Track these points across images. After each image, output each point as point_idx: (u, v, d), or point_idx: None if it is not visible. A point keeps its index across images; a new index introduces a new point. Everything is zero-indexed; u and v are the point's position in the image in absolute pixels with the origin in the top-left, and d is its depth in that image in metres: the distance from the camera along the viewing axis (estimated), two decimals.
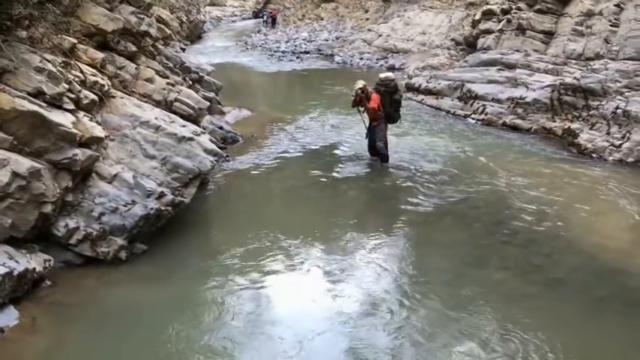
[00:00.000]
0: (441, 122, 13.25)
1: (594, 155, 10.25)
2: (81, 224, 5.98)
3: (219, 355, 4.78)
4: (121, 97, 7.54)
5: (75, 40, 7.28)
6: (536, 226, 7.28)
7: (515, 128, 12.32)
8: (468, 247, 6.80)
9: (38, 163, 5.62)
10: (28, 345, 4.78)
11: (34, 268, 5.35)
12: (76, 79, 6.68)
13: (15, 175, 5.32)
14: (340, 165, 9.94)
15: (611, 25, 12.57)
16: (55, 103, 6.02)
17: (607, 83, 11.05)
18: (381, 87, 9.66)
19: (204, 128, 8.95)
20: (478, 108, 13.35)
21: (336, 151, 10.77)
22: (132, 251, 6.26)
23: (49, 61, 6.25)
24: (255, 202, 8.52)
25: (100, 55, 7.60)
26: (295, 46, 28.38)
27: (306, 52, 26.89)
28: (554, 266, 6.35)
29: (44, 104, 5.84)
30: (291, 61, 24.80)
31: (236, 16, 49.35)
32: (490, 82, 13.73)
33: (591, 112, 11.05)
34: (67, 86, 6.25)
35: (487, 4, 17.44)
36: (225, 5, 51.23)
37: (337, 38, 28.54)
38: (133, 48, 8.53)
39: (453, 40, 20.45)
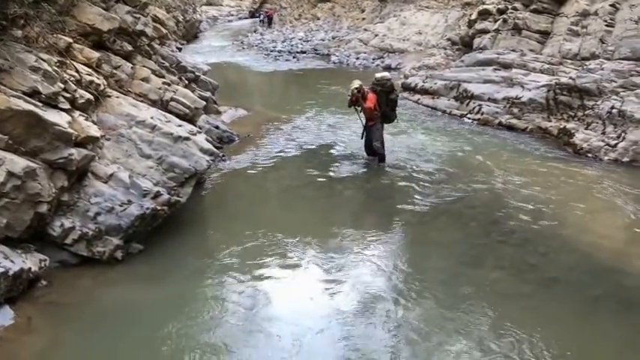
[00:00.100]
0: (437, 122, 13.27)
1: (590, 155, 10.28)
2: (77, 224, 5.96)
3: (218, 353, 4.78)
4: (117, 97, 7.52)
5: (70, 40, 7.26)
6: (532, 226, 7.30)
7: (511, 128, 12.35)
8: (464, 247, 6.82)
9: (34, 162, 5.60)
10: (24, 345, 4.77)
11: (30, 268, 5.33)
12: (72, 78, 6.66)
13: (10, 174, 5.31)
14: (336, 164, 9.95)
15: (606, 25, 12.63)
16: (51, 102, 6.00)
17: (602, 83, 11.09)
18: (378, 87, 9.67)
19: (200, 128, 8.93)
20: (474, 108, 13.37)
21: (333, 151, 10.78)
22: (128, 251, 6.25)
23: (44, 60, 6.23)
24: (252, 201, 8.52)
25: (95, 55, 7.58)
26: (291, 45, 28.36)
27: (303, 52, 26.86)
28: (549, 265, 6.37)
29: (40, 104, 5.82)
30: (287, 60, 24.79)
31: (232, 15, 49.25)
32: (486, 81, 13.76)
33: (587, 112, 11.08)
34: (62, 86, 6.24)
35: (483, 3, 17.46)
36: (221, 5, 51.12)
37: (333, 38, 28.53)
38: (129, 47, 8.51)
39: (449, 39, 20.44)
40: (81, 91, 6.64)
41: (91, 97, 6.81)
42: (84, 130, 6.22)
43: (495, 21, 15.79)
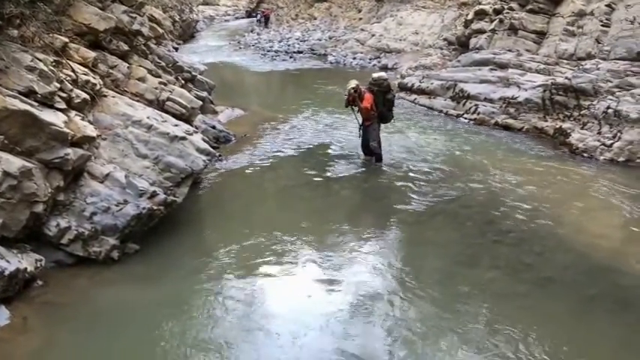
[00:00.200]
0: (433, 122, 13.29)
1: (585, 155, 10.31)
2: (72, 224, 5.96)
3: (216, 351, 4.79)
4: (113, 97, 7.51)
5: (66, 39, 7.25)
6: (528, 225, 7.31)
7: (507, 128, 12.37)
8: (460, 246, 6.83)
9: (29, 162, 5.59)
10: (20, 345, 4.76)
11: (26, 268, 5.32)
12: (68, 78, 6.65)
13: (6, 174, 5.30)
14: (333, 164, 9.96)
15: (602, 25, 12.66)
16: (47, 102, 5.99)
17: (598, 83, 11.12)
18: (374, 87, 9.67)
19: (196, 127, 8.94)
20: (470, 108, 13.39)
21: (329, 151, 10.78)
22: (124, 251, 6.24)
23: (40, 60, 6.22)
24: (248, 201, 8.51)
25: (91, 54, 7.57)
26: (288, 45, 28.36)
27: (299, 52, 26.87)
28: (545, 265, 6.38)
29: (35, 103, 5.81)
30: (284, 60, 24.79)
31: (229, 15, 49.20)
32: (482, 81, 13.79)
33: (582, 112, 11.11)
34: (58, 85, 6.23)
35: (479, 4, 17.49)
36: (218, 4, 51.07)
37: (330, 38, 28.54)
38: (125, 47, 8.50)
39: (445, 39, 20.51)
40: (77, 91, 6.63)
41: (87, 96, 6.80)
42: (80, 129, 6.21)
43: (492, 21, 15.83)
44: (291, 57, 25.52)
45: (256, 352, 4.81)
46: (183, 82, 10.63)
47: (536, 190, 8.56)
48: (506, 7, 15.58)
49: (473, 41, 16.13)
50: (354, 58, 23.82)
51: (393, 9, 27.26)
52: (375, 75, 10.04)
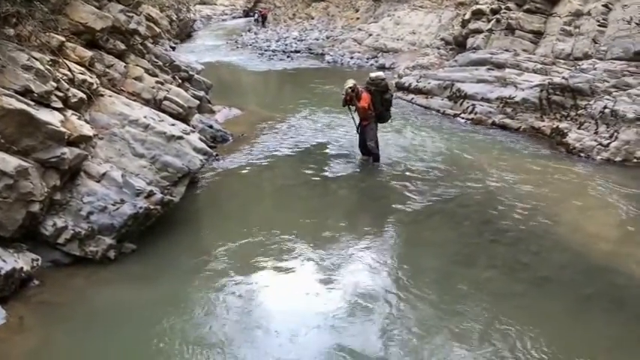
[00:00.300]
0: (430, 121, 13.29)
1: (582, 154, 10.32)
2: (69, 223, 5.94)
3: (215, 348, 4.80)
4: (110, 96, 7.50)
5: (63, 38, 7.23)
6: (525, 225, 7.33)
7: (504, 127, 12.38)
8: (457, 246, 6.83)
9: (26, 161, 5.58)
10: (16, 344, 4.75)
11: (22, 268, 5.32)
12: (64, 77, 6.63)
13: (2, 173, 5.30)
14: (331, 164, 9.95)
15: (599, 25, 12.68)
16: (43, 101, 5.98)
17: (595, 83, 11.14)
18: (372, 86, 9.66)
19: (193, 127, 8.92)
20: (467, 107, 13.40)
21: (327, 150, 10.78)
22: (121, 250, 6.23)
23: (36, 59, 6.21)
24: (246, 201, 8.51)
25: (88, 54, 7.55)
26: (286, 45, 28.33)
27: (297, 51, 26.84)
28: (541, 264, 6.39)
29: (32, 102, 5.80)
30: (281, 60, 24.76)
31: (226, 14, 49.17)
32: (479, 81, 13.79)
33: (579, 112, 11.13)
34: (55, 84, 6.21)
35: (476, 3, 17.50)
36: (215, 4, 51.02)
37: (328, 37, 28.52)
38: (122, 46, 8.48)
39: (442, 39, 20.50)
40: (74, 90, 6.61)
41: (84, 96, 6.79)
42: (76, 129, 6.20)
43: (489, 21, 15.84)
44: (288, 56, 25.50)
45: (256, 350, 4.82)
46: (180, 81, 10.62)
47: (533, 189, 8.57)
48: (503, 6, 15.59)
49: (470, 41, 16.13)
50: (352, 58, 23.82)
51: (390, 9, 27.26)
52: (373, 74, 10.03)
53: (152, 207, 6.43)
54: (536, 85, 12.30)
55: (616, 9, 12.64)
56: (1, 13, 6.15)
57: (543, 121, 11.85)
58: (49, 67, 6.35)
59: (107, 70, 7.94)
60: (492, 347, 4.84)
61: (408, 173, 9.35)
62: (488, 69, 14.04)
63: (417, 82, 15.52)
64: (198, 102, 9.61)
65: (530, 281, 6.00)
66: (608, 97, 10.78)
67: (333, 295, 5.69)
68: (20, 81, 5.81)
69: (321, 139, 11.53)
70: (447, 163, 9.95)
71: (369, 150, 9.81)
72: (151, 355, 4.77)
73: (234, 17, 47.82)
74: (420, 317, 5.30)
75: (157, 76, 9.05)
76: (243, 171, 9.57)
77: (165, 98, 8.43)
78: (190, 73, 11.82)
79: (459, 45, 17.24)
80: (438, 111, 14.07)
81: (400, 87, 15.91)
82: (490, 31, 15.41)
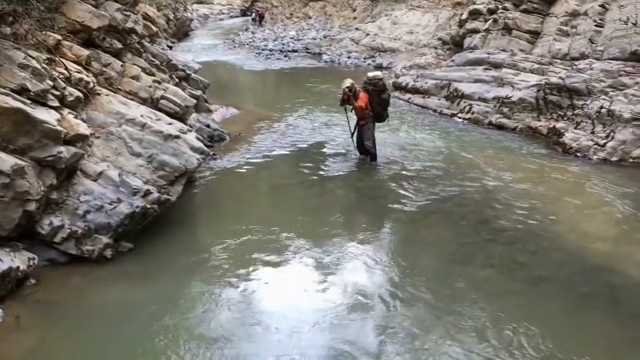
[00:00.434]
0: (427, 121, 13.30)
1: (579, 154, 10.35)
2: (66, 222, 5.93)
3: (214, 345, 4.81)
4: (107, 95, 7.49)
5: (60, 37, 7.21)
6: (522, 224, 7.34)
7: (501, 127, 12.40)
8: (454, 245, 6.84)
9: (22, 160, 5.57)
10: (13, 343, 4.74)
11: (18, 267, 5.30)
12: (61, 75, 6.62)
13: None
14: (328, 163, 9.96)
15: (595, 26, 12.72)
16: (40, 100, 5.97)
17: (592, 83, 11.17)
18: (369, 86, 9.66)
19: (190, 126, 8.91)
20: (464, 107, 13.42)
21: (324, 149, 10.78)
22: (117, 249, 6.22)
23: (33, 57, 6.19)
24: (243, 200, 8.51)
25: (85, 52, 7.54)
26: (283, 44, 28.32)
27: (294, 51, 26.83)
28: (538, 263, 6.41)
29: (28, 101, 5.79)
30: (278, 59, 24.76)
31: (224, 14, 49.12)
32: (476, 81, 13.82)
33: (576, 112, 11.16)
34: (51, 83, 6.20)
35: (474, 3, 17.53)
36: (212, 3, 50.96)
37: (325, 37, 28.54)
38: (119, 45, 8.47)
39: (440, 39, 20.54)
40: (70, 89, 6.60)
41: (81, 94, 6.77)
42: (73, 127, 6.19)
43: (486, 21, 15.87)
44: (285, 56, 25.50)
45: (255, 346, 4.85)
46: (177, 80, 10.60)
47: (529, 189, 8.59)
48: (500, 6, 15.63)
49: (467, 41, 16.17)
50: (349, 57, 23.83)
51: (387, 8, 27.29)
52: (371, 74, 10.03)
53: (149, 206, 6.42)
54: (533, 85, 12.33)
55: (613, 9, 12.68)
56: None
57: (540, 121, 11.88)
58: (45, 65, 6.33)
59: (104, 68, 7.93)
60: (489, 346, 4.84)
61: (405, 172, 9.36)
62: (486, 69, 14.08)
63: (414, 81, 15.54)
64: (195, 101, 9.60)
65: (526, 280, 6.01)
66: (604, 97, 10.82)
67: (331, 293, 5.70)
68: (17, 79, 5.80)
69: (319, 138, 11.53)
70: (444, 162, 9.96)
71: (366, 149, 9.81)
72: (149, 352, 4.76)
73: (231, 16, 47.77)
74: (416, 315, 5.30)
75: (154, 75, 9.04)
76: (241, 170, 9.57)
77: (163, 97, 8.41)
78: (187, 72, 11.80)
79: (456, 45, 17.28)
80: (435, 111, 14.09)
81: (397, 87, 15.92)
82: (487, 31, 15.45)
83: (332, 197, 8.66)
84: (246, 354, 4.74)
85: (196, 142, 7.54)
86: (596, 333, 5.16)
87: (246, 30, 34.91)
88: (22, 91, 5.78)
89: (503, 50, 14.44)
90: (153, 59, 9.92)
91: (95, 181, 6.34)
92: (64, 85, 6.50)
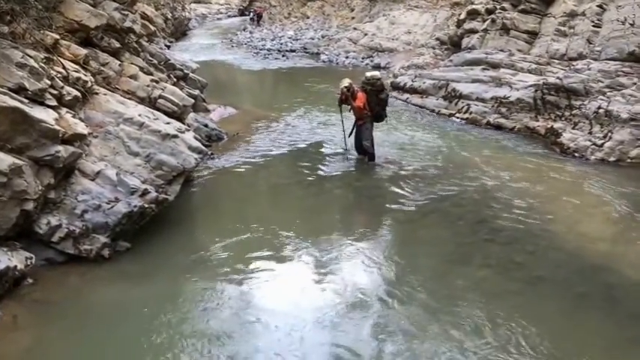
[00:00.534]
0: (425, 121, 13.31)
1: (576, 154, 10.36)
2: (63, 222, 5.92)
3: (213, 342, 4.82)
4: (105, 94, 7.48)
5: (57, 36, 7.20)
6: (519, 224, 7.34)
7: (498, 127, 12.41)
8: (452, 245, 6.85)
9: (20, 159, 5.56)
10: (10, 343, 4.74)
11: (16, 266, 5.29)
12: (59, 75, 6.61)
13: None
14: (326, 163, 9.96)
15: (593, 26, 12.74)
16: (37, 99, 5.96)
17: (589, 83, 11.18)
18: (368, 86, 9.66)
19: (188, 126, 8.90)
20: (462, 107, 13.42)
21: (322, 149, 10.79)
22: (115, 249, 6.21)
23: (31, 56, 6.18)
24: (240, 199, 8.50)
25: (83, 51, 7.53)
26: (281, 44, 28.30)
27: (292, 51, 26.82)
28: (536, 263, 6.41)
29: (26, 100, 5.78)
30: (276, 59, 24.75)
31: (222, 13, 49.14)
32: (474, 81, 13.83)
33: (574, 112, 11.17)
34: (49, 82, 6.19)
35: (472, 3, 17.54)
36: (210, 2, 50.95)
37: (323, 37, 28.52)
38: (117, 44, 8.45)
39: (437, 39, 20.56)
40: (68, 88, 6.59)
41: (78, 94, 6.77)
42: (71, 127, 6.18)
43: (484, 21, 15.88)
44: (283, 55, 25.49)
45: (255, 344, 4.86)
46: (175, 80, 10.59)
47: (527, 189, 8.59)
48: (498, 7, 15.64)
49: (465, 41, 16.18)
50: (347, 57, 23.82)
51: (385, 8, 27.29)
52: (369, 74, 10.03)
53: (147, 205, 6.42)
54: (531, 85, 12.34)
55: (610, 9, 12.70)
56: None
57: (538, 121, 11.89)
58: (43, 64, 6.32)
59: (102, 68, 7.92)
60: (486, 346, 4.85)
61: (403, 172, 9.36)
62: (483, 69, 14.08)
63: (412, 81, 15.55)
64: (193, 100, 9.59)
65: (524, 280, 6.02)
66: (602, 97, 10.83)
67: (330, 292, 5.70)
68: (14, 78, 5.79)
69: (317, 138, 11.53)
70: (441, 162, 9.97)
71: (364, 149, 9.81)
72: (147, 352, 4.75)
73: (229, 16, 47.76)
74: (414, 315, 5.30)
75: (151, 74, 9.03)
76: (238, 170, 9.56)
77: (160, 97, 8.41)
78: (185, 71, 11.80)
79: (454, 45, 17.29)
80: (432, 111, 14.09)
81: (395, 86, 15.92)
82: (485, 31, 15.46)
83: (330, 197, 8.66)
84: (246, 352, 4.75)
85: (194, 142, 7.54)
86: (593, 333, 5.16)
87: (244, 30, 34.90)
88: (19, 90, 5.77)
89: (501, 50, 14.45)
90: (151, 58, 9.92)
91: (93, 180, 6.33)
92: (61, 84, 6.49)
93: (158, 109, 8.13)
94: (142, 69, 8.76)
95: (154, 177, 6.81)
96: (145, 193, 6.46)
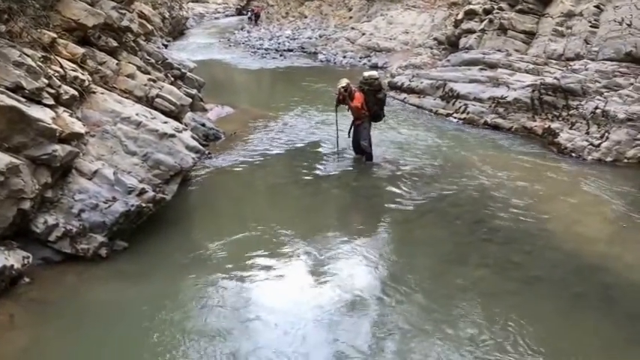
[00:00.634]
0: (423, 121, 13.31)
1: (574, 154, 10.37)
2: (60, 221, 5.91)
3: (213, 340, 4.84)
4: (102, 93, 7.47)
5: (55, 35, 7.19)
6: (516, 224, 7.36)
7: (496, 127, 12.41)
8: (449, 245, 6.86)
9: (17, 158, 5.55)
10: (7, 342, 4.73)
11: (12, 265, 5.28)
12: (56, 74, 6.60)
13: None
14: (323, 162, 9.96)
15: (590, 26, 12.76)
16: (35, 98, 5.95)
17: (586, 83, 11.20)
18: (365, 85, 9.66)
19: (186, 125, 8.89)
20: (460, 107, 13.43)
21: (319, 149, 10.78)
22: (112, 248, 6.21)
23: (28, 55, 6.17)
24: (237, 199, 8.50)
25: (80, 50, 7.51)
26: (279, 43, 28.27)
27: (290, 50, 26.79)
28: (533, 263, 6.42)
29: (23, 99, 5.77)
30: (274, 58, 24.73)
31: (219, 12, 49.08)
32: (472, 81, 13.82)
33: (571, 112, 11.19)
34: (46, 81, 6.18)
35: (469, 3, 17.56)
36: (208, 2, 50.90)
37: (321, 36, 28.49)
38: (114, 43, 8.44)
39: (435, 39, 20.54)
40: (65, 87, 6.58)
41: (76, 93, 6.75)
42: (68, 126, 6.17)
43: (481, 21, 15.89)
44: (281, 55, 25.47)
45: (254, 342, 4.88)
46: (172, 79, 10.57)
47: (524, 189, 8.60)
48: (495, 7, 15.65)
49: (463, 41, 16.18)
50: (345, 57, 23.81)
51: (383, 8, 27.28)
52: (366, 74, 10.03)
53: (144, 205, 6.41)
54: (528, 86, 12.35)
55: (607, 10, 12.73)
56: None
57: (535, 121, 11.90)
58: (40, 63, 6.31)
59: (99, 67, 7.90)
60: (483, 345, 4.86)
61: (400, 172, 9.37)
62: (481, 69, 14.09)
63: (410, 81, 15.54)
64: (190, 100, 9.58)
65: (521, 280, 6.03)
66: (599, 97, 10.85)
67: (328, 291, 5.72)
68: (11, 77, 5.77)
69: (314, 137, 11.53)
70: (439, 162, 9.98)
71: (362, 149, 9.81)
72: (144, 351, 4.76)
73: (227, 15, 47.74)
74: (411, 314, 5.31)
75: (149, 73, 9.01)
76: (236, 169, 9.56)
77: (158, 96, 8.39)
78: (183, 70, 11.76)
79: (452, 45, 17.29)
80: (430, 110, 14.09)
81: (393, 86, 15.91)
82: (483, 31, 15.47)
83: (327, 196, 8.67)
84: (246, 350, 4.76)
85: (191, 141, 7.53)
86: (590, 332, 5.18)
87: (241, 29, 34.87)
88: (16, 89, 5.76)
89: (499, 50, 14.46)
90: (148, 58, 9.90)
91: (90, 179, 6.32)
92: (59, 83, 6.48)
93: (155, 109, 8.12)
94: (139, 68, 8.74)
95: (152, 176, 6.80)
96: (142, 192, 6.45)
